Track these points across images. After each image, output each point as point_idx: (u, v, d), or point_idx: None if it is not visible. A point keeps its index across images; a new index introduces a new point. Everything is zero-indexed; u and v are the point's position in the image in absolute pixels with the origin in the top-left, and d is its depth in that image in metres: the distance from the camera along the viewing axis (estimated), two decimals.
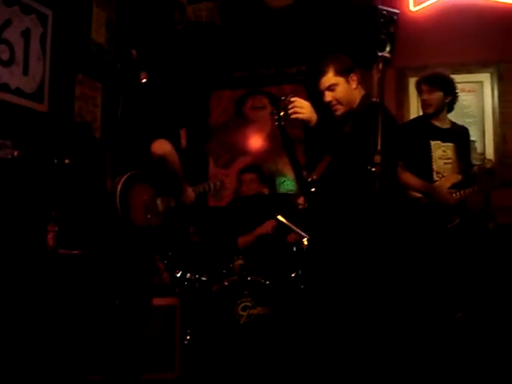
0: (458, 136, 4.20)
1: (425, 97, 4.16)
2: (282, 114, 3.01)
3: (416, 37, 5.21)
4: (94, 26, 5.30)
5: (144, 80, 3.44)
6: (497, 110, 5.15)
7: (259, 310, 3.99)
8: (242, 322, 3.97)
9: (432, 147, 4.12)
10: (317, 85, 3.36)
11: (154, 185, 3.54)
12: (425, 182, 4.04)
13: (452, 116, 4.28)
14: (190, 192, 3.83)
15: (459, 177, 4.09)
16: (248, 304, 4.00)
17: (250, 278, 4.08)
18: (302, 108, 3.04)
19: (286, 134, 3.06)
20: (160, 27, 5.95)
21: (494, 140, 5.14)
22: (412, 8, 5.40)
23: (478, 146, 5.16)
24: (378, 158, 2.74)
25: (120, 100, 3.15)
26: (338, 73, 3.27)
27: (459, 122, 4.37)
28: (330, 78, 3.27)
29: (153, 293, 3.63)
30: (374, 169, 2.73)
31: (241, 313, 3.99)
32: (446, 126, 4.20)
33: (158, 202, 3.57)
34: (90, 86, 5.06)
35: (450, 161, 4.12)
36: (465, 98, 5.09)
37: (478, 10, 5.20)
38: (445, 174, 4.08)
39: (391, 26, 5.05)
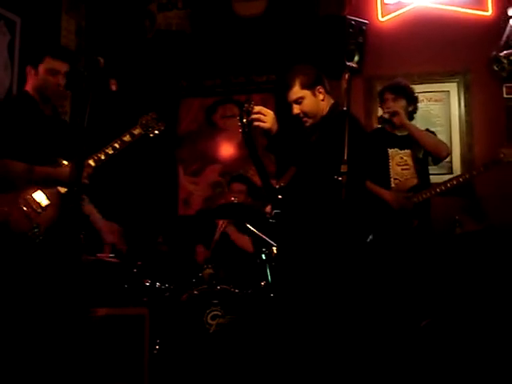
0: (414, 144, 4.25)
1: (389, 105, 4.23)
2: (244, 120, 3.03)
3: (384, 46, 5.26)
4: (63, 33, 5.26)
5: (113, 88, 3.40)
6: (463, 119, 5.22)
7: (228, 319, 3.97)
8: (211, 332, 3.96)
9: (390, 155, 4.24)
10: (284, 97, 3.38)
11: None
12: (382, 189, 4.15)
13: (420, 125, 4.34)
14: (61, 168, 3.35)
15: (415, 181, 4.19)
16: (217, 313, 3.99)
17: (219, 287, 4.07)
18: (265, 117, 3.06)
19: (250, 140, 3.06)
20: (130, 35, 5.93)
21: (460, 148, 5.21)
22: (380, 18, 5.46)
23: None
24: (344, 168, 2.77)
25: (86, 108, 3.13)
26: (304, 86, 3.28)
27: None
28: (296, 91, 3.28)
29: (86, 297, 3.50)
30: (340, 178, 2.76)
31: (210, 322, 3.98)
32: (405, 132, 4.26)
33: (38, 197, 3.26)
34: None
35: (407, 167, 4.22)
36: (432, 108, 5.17)
37: (444, 21, 5.27)
38: (402, 180, 4.20)
39: (360, 36, 5.09)
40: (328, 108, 3.33)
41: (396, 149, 4.24)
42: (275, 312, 3.64)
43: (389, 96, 4.25)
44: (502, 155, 4.03)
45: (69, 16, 5.36)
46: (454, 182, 4.14)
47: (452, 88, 5.28)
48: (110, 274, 4.21)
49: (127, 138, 3.46)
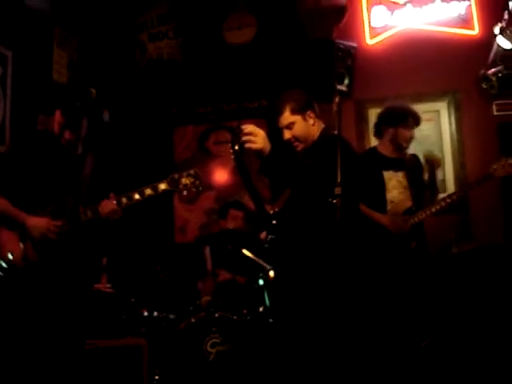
0: (409, 164, 4.28)
1: (412, 133, 4.23)
2: (236, 147, 3.03)
3: (373, 69, 5.32)
4: (55, 66, 5.29)
5: (106, 118, 3.42)
6: (455, 138, 5.27)
7: (228, 346, 3.95)
8: (211, 359, 3.93)
9: (385, 178, 4.21)
10: (275, 122, 3.41)
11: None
12: (378, 213, 4.11)
13: (413, 144, 4.36)
14: (108, 204, 3.28)
15: (409, 203, 4.18)
16: (217, 341, 3.97)
17: (217, 315, 4.04)
18: (256, 137, 3.05)
19: (242, 166, 3.07)
20: (122, 65, 5.98)
21: (453, 167, 5.24)
22: (368, 41, 5.53)
23: (438, 173, 5.24)
24: (338, 190, 2.79)
25: (80, 140, 3.16)
26: (294, 111, 3.32)
27: (420, 150, 4.45)
28: (286, 117, 3.32)
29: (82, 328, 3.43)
30: (334, 201, 2.78)
31: (210, 350, 3.95)
32: (398, 155, 4.27)
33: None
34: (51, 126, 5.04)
35: (402, 190, 4.21)
36: (424, 128, 5.20)
37: (432, 41, 5.35)
38: (398, 203, 4.18)
39: (349, 60, 5.14)
40: (319, 132, 3.37)
41: (391, 171, 4.22)
42: (275, 337, 3.63)
43: (413, 126, 4.23)
44: (492, 170, 4.04)
45: (60, 49, 5.39)
46: (448, 201, 4.14)
47: (442, 107, 5.33)
48: (107, 305, 4.19)
49: (149, 191, 3.32)
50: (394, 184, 4.20)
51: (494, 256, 4.34)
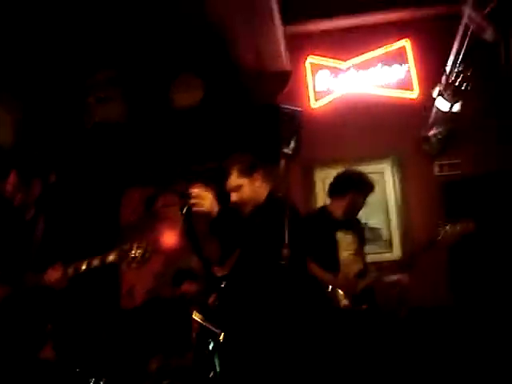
0: (356, 226, 4.33)
1: (357, 202, 4.24)
2: (185, 210, 3.09)
3: (319, 132, 5.45)
4: (0, 129, 5.23)
5: (52, 180, 3.42)
6: (399, 197, 5.41)
7: None
8: None
9: (338, 239, 4.20)
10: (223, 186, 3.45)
11: None
12: (330, 274, 4.08)
13: None
14: (53, 273, 3.21)
15: (361, 266, 4.19)
16: None
17: (166, 382, 3.95)
18: (203, 199, 3.13)
19: (191, 229, 3.10)
20: (68, 128, 5.95)
21: (398, 226, 5.35)
22: (313, 104, 5.68)
23: (384, 233, 5.34)
24: (286, 252, 2.81)
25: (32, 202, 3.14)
26: (242, 174, 3.37)
27: (364, 211, 4.51)
28: (233, 180, 3.38)
29: None
30: (283, 262, 2.79)
31: None
32: (346, 217, 4.28)
33: None
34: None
35: (352, 251, 4.21)
36: None
37: (374, 105, 5.55)
38: (349, 265, 4.15)
39: (294, 123, 5.27)
40: (265, 194, 3.40)
41: (342, 232, 4.21)
42: None
43: (354, 194, 4.22)
44: (439, 237, 3.99)
45: (5, 113, 5.34)
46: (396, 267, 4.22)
47: (386, 168, 5.49)
48: (51, 374, 4.04)
49: (96, 262, 3.30)
50: (345, 245, 4.19)
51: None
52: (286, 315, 2.96)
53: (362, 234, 4.38)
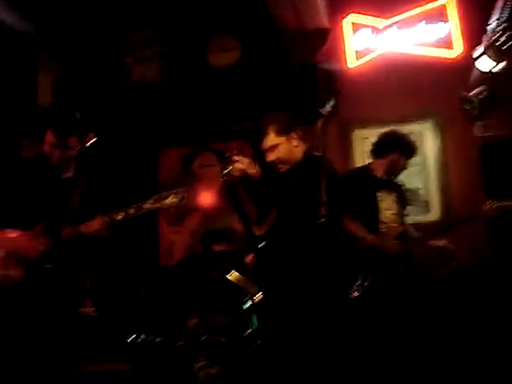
0: (397, 188, 4.30)
1: (401, 162, 4.25)
2: (226, 170, 3.10)
3: (357, 91, 5.34)
4: (39, 90, 5.28)
5: (91, 142, 3.43)
6: (438, 159, 5.32)
7: (216, 369, 3.91)
8: (199, 383, 3.89)
9: (378, 198, 4.17)
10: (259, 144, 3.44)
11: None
12: (372, 234, 4.05)
13: None
14: (93, 223, 3.27)
15: (401, 228, 4.17)
16: (204, 364, 3.93)
17: (204, 338, 4.02)
18: (244, 165, 3.16)
19: (232, 190, 3.11)
20: (106, 89, 5.99)
21: (437, 187, 5.28)
22: (352, 64, 5.58)
23: (423, 194, 5.29)
24: (323, 211, 2.80)
25: (70, 160, 3.17)
26: (279, 133, 3.34)
27: (404, 171, 4.47)
28: (271, 139, 3.35)
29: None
30: (319, 222, 2.79)
31: (198, 373, 3.91)
32: (388, 178, 4.28)
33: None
34: (36, 151, 5.00)
35: (393, 211, 4.18)
36: None
37: (414, 64, 5.41)
38: (390, 225, 4.14)
39: (332, 82, 5.21)
40: (302, 154, 3.39)
41: (384, 192, 4.19)
42: (263, 359, 3.61)
43: (397, 154, 4.22)
44: (481, 211, 3.97)
45: (45, 72, 5.40)
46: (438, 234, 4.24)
47: (425, 129, 5.38)
48: (91, 329, 4.15)
49: (133, 210, 3.29)
50: (386, 206, 4.17)
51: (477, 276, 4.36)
52: (323, 274, 2.97)
53: (403, 196, 4.34)
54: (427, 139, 5.38)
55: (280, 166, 3.38)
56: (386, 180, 4.25)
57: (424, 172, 5.32)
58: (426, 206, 5.21)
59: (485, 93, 5.16)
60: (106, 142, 5.58)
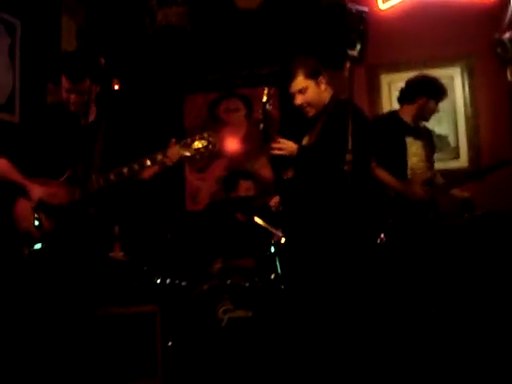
0: (426, 135, 4.26)
1: (430, 106, 4.17)
2: (268, 105, 3.21)
3: (386, 34, 5.23)
4: (63, 34, 5.26)
5: (116, 87, 3.41)
6: (468, 104, 5.21)
7: (240, 313, 3.98)
8: (223, 326, 3.96)
9: (407, 144, 4.12)
10: (287, 88, 3.45)
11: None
12: (399, 180, 4.02)
13: None
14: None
15: (429, 174, 4.13)
16: (228, 307, 3.99)
17: (229, 282, 4.07)
18: (285, 146, 3.21)
19: (268, 127, 3.13)
20: (131, 33, 5.93)
21: (466, 133, 5.19)
22: (381, 6, 5.44)
23: (451, 140, 5.21)
24: (349, 157, 2.79)
25: (89, 103, 3.16)
26: (308, 76, 3.37)
27: (432, 117, 4.39)
28: (299, 81, 3.37)
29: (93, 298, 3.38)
30: (345, 167, 2.78)
31: (222, 316, 3.98)
32: (416, 124, 4.23)
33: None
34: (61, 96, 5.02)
35: (421, 158, 4.14)
36: None
37: (446, 5, 5.25)
38: (417, 171, 4.10)
39: (360, 24, 5.08)
40: (329, 98, 3.39)
41: (411, 138, 4.14)
42: (286, 304, 3.66)
43: (426, 99, 4.14)
44: None
45: (69, 17, 5.35)
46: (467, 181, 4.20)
47: (456, 73, 5.26)
48: (120, 273, 4.23)
49: (160, 157, 3.25)
50: (414, 151, 4.13)
51: (504, 221, 4.32)
52: (349, 219, 2.96)
53: (431, 142, 4.31)
54: (457, 84, 5.25)
55: (308, 109, 3.40)
56: (414, 126, 4.19)
57: (453, 118, 5.22)
58: (454, 153, 5.13)
59: None
60: (131, 88, 5.59)
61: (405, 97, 4.25)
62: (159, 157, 3.23)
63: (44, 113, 3.56)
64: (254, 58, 5.70)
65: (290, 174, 3.34)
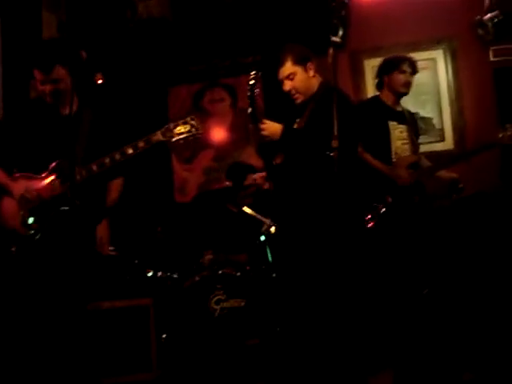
0: (410, 118, 4.27)
1: (409, 79, 4.16)
2: (256, 90, 3.19)
3: (367, 19, 5.23)
4: (44, 29, 5.22)
5: (100, 81, 3.38)
6: (452, 86, 5.22)
7: (232, 302, 4.00)
8: (216, 316, 3.98)
9: (390, 128, 4.13)
10: (275, 74, 3.46)
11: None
12: (384, 164, 4.04)
13: (409, 95, 4.31)
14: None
15: (415, 157, 4.14)
16: (221, 297, 4.01)
17: (221, 272, 4.08)
18: (269, 126, 3.24)
19: (255, 113, 3.15)
20: (112, 26, 5.89)
21: (451, 115, 5.21)
22: None
23: (436, 122, 5.23)
24: (335, 143, 2.79)
25: (64, 91, 3.13)
26: (296, 62, 3.36)
27: (415, 99, 4.41)
28: (288, 67, 3.37)
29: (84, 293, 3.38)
30: (332, 154, 2.78)
31: (214, 307, 4.00)
32: (400, 108, 4.24)
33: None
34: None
35: (406, 141, 4.15)
36: (419, 76, 5.12)
37: None
38: (402, 155, 4.12)
39: (343, 10, 5.12)
40: (318, 85, 3.40)
41: (395, 122, 4.15)
42: (278, 291, 3.68)
43: (408, 69, 4.14)
44: (498, 138, 3.95)
45: (49, 12, 5.31)
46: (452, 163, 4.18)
47: (438, 55, 5.27)
48: (110, 267, 4.22)
49: (142, 144, 3.21)
50: (398, 135, 4.14)
51: (491, 202, 4.35)
52: (336, 205, 2.98)
53: (415, 126, 4.32)
54: (440, 66, 5.26)
55: (296, 95, 3.40)
56: (397, 110, 4.21)
57: (437, 100, 5.23)
58: (440, 135, 5.16)
59: (500, 16, 5.02)
60: (114, 81, 5.56)
61: (377, 85, 4.31)
62: (141, 144, 3.20)
63: (24, 108, 3.54)
64: (236, 47, 5.67)
65: (278, 160, 3.35)
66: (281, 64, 3.39)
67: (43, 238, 3.19)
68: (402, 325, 3.64)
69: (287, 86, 3.39)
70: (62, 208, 3.18)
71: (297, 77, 3.36)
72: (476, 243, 4.26)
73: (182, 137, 3.22)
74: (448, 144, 5.20)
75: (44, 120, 3.34)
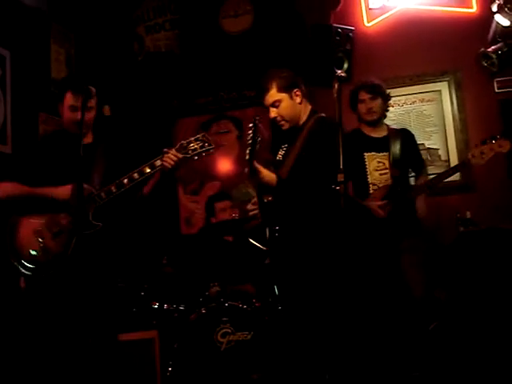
0: (396, 140, 4.18)
1: (369, 105, 4.14)
2: (257, 138, 3.09)
3: (372, 52, 5.29)
4: (53, 63, 5.28)
5: (107, 113, 3.42)
6: (457, 117, 5.23)
7: (239, 335, 3.96)
8: (222, 350, 3.94)
9: (366, 159, 4.14)
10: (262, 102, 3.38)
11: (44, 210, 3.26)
12: (359, 199, 4.06)
13: (414, 126, 4.33)
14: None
15: (385, 189, 4.08)
16: (227, 330, 3.98)
17: (227, 304, 4.06)
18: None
19: (252, 155, 3.10)
20: (120, 60, 5.97)
21: (456, 146, 5.21)
22: (366, 23, 5.48)
23: (442, 154, 5.23)
24: (341, 177, 2.78)
25: (81, 138, 3.14)
26: (281, 89, 3.28)
27: (421, 131, 4.38)
28: (273, 94, 3.29)
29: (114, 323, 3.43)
30: (338, 187, 2.77)
31: (221, 340, 3.96)
32: (383, 133, 4.21)
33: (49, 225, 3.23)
34: (53, 124, 5.02)
35: (385, 171, 4.12)
36: (425, 108, 5.18)
37: (430, 21, 5.30)
38: (380, 185, 4.10)
39: (347, 44, 5.15)
40: (307, 113, 3.36)
41: (373, 152, 4.14)
42: (284, 324, 3.64)
43: (366, 96, 4.13)
44: (470, 157, 3.97)
45: (58, 46, 5.38)
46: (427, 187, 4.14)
47: (443, 87, 5.30)
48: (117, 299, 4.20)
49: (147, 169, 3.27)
50: (375, 166, 4.12)
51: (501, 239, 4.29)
52: (343, 240, 2.96)
53: (399, 152, 4.16)
54: (445, 98, 5.29)
55: (282, 122, 3.34)
56: (376, 138, 4.19)
57: (443, 131, 5.24)
58: (445, 166, 5.14)
59: (504, 48, 5.05)
60: (123, 114, 5.61)
61: (352, 109, 4.27)
62: (158, 162, 3.25)
63: (41, 142, 3.55)
64: (242, 79, 5.73)
65: (270, 198, 3.30)
66: (265, 91, 3.29)
67: (64, 264, 3.17)
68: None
69: (272, 113, 3.31)
70: (85, 231, 3.17)
71: (282, 104, 3.28)
72: (483, 277, 4.21)
73: (196, 152, 3.26)
74: (454, 175, 5.18)
75: (63, 148, 3.34)
